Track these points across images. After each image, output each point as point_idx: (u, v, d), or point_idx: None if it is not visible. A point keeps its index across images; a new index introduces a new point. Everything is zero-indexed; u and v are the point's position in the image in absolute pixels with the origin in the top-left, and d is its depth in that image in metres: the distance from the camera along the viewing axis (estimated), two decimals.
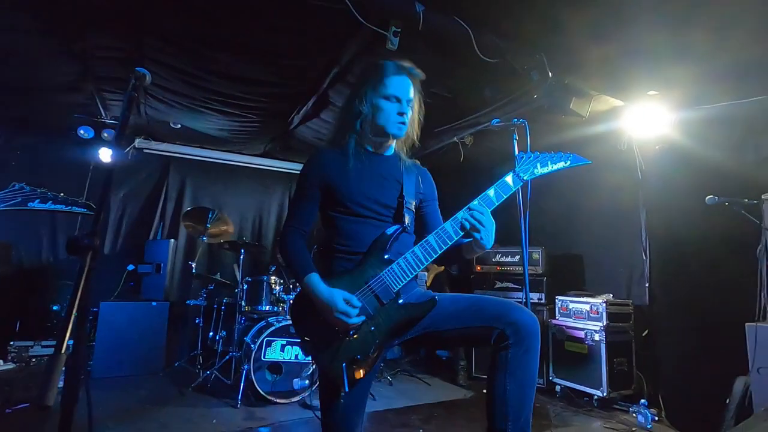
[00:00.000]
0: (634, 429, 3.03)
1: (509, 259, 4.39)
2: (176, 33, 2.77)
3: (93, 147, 4.55)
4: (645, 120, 3.44)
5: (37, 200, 1.40)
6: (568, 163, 1.53)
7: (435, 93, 3.28)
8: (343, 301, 1.34)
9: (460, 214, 1.41)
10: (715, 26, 2.41)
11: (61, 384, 0.72)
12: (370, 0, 2.23)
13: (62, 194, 1.44)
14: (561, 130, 3.73)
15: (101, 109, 4.09)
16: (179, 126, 4.42)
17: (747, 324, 2.63)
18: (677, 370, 3.34)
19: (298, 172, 1.58)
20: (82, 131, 4.41)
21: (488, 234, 1.39)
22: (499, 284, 4.42)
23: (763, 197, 2.87)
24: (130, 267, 4.58)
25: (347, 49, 2.82)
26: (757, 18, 2.35)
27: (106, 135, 4.49)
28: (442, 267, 4.85)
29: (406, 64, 1.52)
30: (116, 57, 3.07)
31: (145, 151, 5.00)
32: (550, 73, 2.73)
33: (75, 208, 1.43)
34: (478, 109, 3.60)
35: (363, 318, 1.37)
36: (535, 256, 4.23)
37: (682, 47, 2.64)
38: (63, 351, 0.70)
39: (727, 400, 2.79)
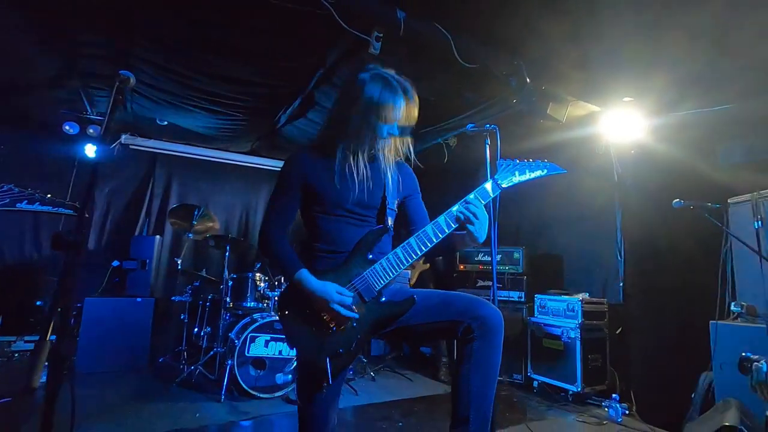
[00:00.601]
0: (605, 422, 3.15)
1: (491, 258, 4.49)
2: (164, 33, 2.80)
3: (78, 143, 4.53)
4: (621, 125, 3.55)
5: (25, 201, 1.44)
6: (545, 171, 1.59)
7: (417, 95, 3.35)
8: (337, 293, 1.40)
9: (441, 218, 1.46)
10: (685, 37, 2.52)
11: (44, 379, 0.76)
12: (352, 6, 2.29)
13: (50, 195, 1.47)
14: (541, 133, 3.83)
15: (87, 105, 4.09)
16: (166, 123, 4.43)
17: (711, 322, 2.77)
18: (648, 367, 3.47)
19: None
20: (67, 127, 4.38)
21: (482, 227, 1.44)
22: (481, 282, 4.52)
23: (729, 201, 3.02)
24: (115, 263, 4.57)
25: (332, 52, 2.88)
26: (726, 30, 2.46)
27: (91, 131, 4.47)
28: (428, 265, 4.96)
29: (393, 74, 1.59)
30: (103, 54, 3.09)
31: (131, 147, 4.98)
32: (528, 79, 2.83)
33: (61, 210, 1.47)
34: (459, 112, 3.69)
35: (356, 314, 1.41)
36: (516, 256, 4.34)
37: (656, 57, 2.76)
38: (47, 338, 0.75)
39: (693, 395, 2.93)
